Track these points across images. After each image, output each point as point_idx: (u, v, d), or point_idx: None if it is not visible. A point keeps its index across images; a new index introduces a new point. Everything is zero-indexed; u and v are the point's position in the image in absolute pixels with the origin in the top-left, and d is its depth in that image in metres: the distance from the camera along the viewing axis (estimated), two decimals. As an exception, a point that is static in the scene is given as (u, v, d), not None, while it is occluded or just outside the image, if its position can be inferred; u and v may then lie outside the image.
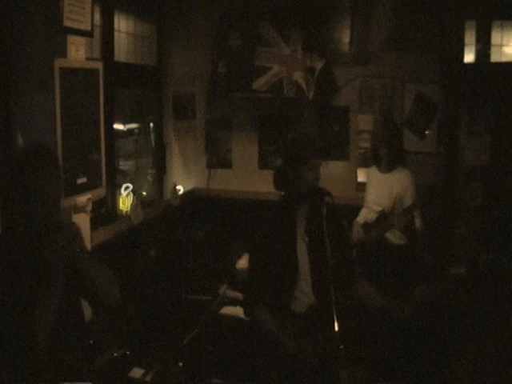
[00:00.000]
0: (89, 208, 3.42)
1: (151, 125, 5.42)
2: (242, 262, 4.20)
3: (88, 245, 3.36)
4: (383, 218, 4.03)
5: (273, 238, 2.78)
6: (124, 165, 5.05)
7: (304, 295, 2.79)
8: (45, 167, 1.98)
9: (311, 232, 2.79)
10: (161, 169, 5.41)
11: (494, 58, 4.70)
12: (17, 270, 1.95)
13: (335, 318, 2.47)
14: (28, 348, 1.94)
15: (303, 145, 2.80)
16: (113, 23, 4.41)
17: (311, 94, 4.88)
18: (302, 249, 2.79)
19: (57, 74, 3.04)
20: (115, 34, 4.46)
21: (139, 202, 4.51)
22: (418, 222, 4.05)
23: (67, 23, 3.09)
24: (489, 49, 4.68)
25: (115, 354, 3.13)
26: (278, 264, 2.74)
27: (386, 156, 4.10)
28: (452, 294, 3.80)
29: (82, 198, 3.30)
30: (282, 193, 2.91)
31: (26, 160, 2.01)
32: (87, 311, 3.19)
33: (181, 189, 5.27)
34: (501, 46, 4.71)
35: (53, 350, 1.99)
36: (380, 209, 4.07)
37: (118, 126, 4.78)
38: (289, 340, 2.63)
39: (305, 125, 5.02)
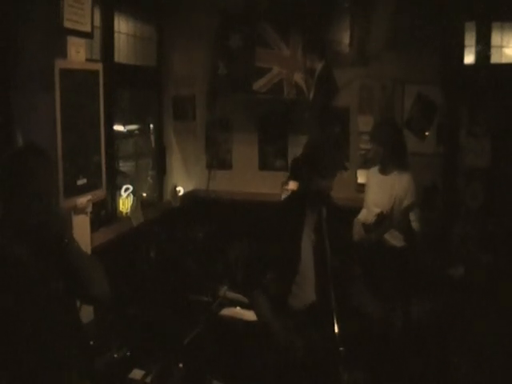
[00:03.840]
0: (89, 209, 3.42)
1: (151, 126, 5.42)
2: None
3: (88, 246, 3.36)
4: (382, 219, 4.02)
5: (279, 230, 2.79)
6: (124, 166, 5.04)
7: (303, 292, 2.80)
8: (37, 162, 2.00)
9: (318, 232, 2.80)
10: (161, 170, 5.40)
11: (494, 59, 4.70)
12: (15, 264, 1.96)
13: (335, 319, 2.47)
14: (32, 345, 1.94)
15: (322, 153, 2.78)
16: (113, 24, 4.41)
17: (311, 95, 4.88)
18: (307, 247, 2.80)
19: (57, 75, 3.03)
20: (115, 35, 4.46)
21: (139, 203, 4.50)
22: (416, 224, 4.04)
23: (67, 24, 3.09)
24: (489, 50, 4.68)
25: (115, 356, 3.13)
26: (279, 256, 2.76)
27: (385, 158, 4.08)
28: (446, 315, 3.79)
29: (82, 200, 3.30)
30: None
31: (17, 157, 2.04)
32: (88, 312, 3.20)
33: (181, 190, 5.26)
34: (501, 47, 4.71)
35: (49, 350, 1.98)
36: (379, 210, 4.06)
37: (117, 128, 4.77)
38: (281, 329, 2.66)
39: (306, 126, 5.01)
